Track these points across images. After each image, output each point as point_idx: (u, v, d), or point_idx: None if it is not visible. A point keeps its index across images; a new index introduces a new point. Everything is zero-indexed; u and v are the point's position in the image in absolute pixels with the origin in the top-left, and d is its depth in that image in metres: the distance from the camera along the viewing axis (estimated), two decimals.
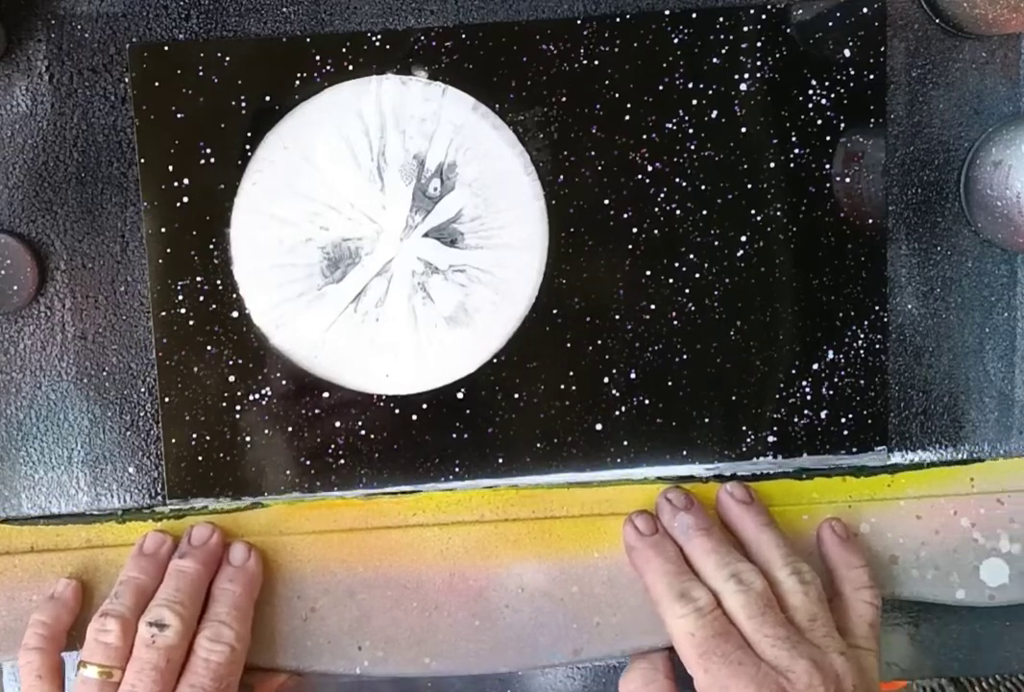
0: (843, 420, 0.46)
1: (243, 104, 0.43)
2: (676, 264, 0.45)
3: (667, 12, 0.44)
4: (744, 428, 0.46)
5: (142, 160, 0.43)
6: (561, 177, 0.44)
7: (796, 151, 0.44)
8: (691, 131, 0.44)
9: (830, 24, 0.44)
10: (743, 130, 0.44)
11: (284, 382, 0.44)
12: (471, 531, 0.45)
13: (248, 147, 0.43)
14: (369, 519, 0.45)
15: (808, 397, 0.46)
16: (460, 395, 0.45)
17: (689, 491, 0.45)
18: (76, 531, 0.45)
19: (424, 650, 0.45)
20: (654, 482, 0.46)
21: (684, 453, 0.46)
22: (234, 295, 0.44)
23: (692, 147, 0.44)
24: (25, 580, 0.45)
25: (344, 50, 0.43)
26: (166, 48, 0.43)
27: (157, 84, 0.43)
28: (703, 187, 0.44)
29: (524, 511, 0.46)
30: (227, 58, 0.43)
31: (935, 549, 0.46)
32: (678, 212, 0.45)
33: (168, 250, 0.44)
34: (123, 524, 0.45)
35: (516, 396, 0.45)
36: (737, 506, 0.45)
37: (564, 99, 0.44)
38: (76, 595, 0.44)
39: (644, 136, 0.44)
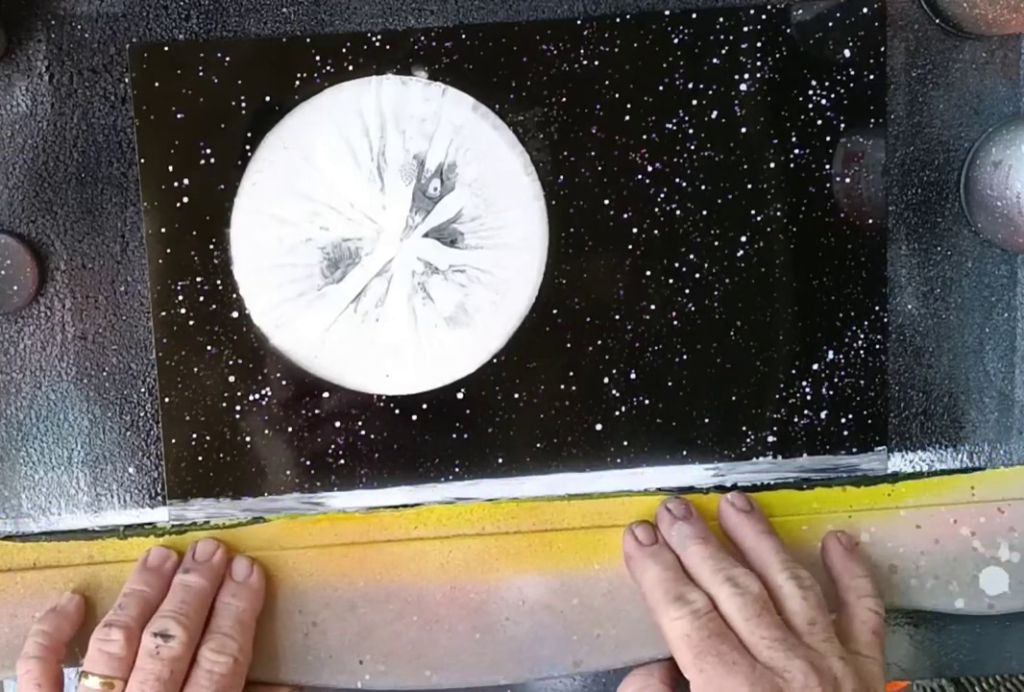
0: (843, 420, 0.46)
1: (243, 104, 0.43)
2: (676, 264, 0.45)
3: (667, 12, 0.44)
4: (744, 428, 0.46)
5: (142, 160, 0.43)
6: (561, 177, 0.44)
7: (796, 151, 0.44)
8: (691, 131, 0.44)
9: (830, 24, 0.44)
10: (743, 130, 0.44)
11: (284, 382, 0.44)
12: (472, 544, 0.45)
13: (248, 147, 0.43)
14: (370, 533, 0.45)
15: (808, 397, 0.46)
16: (460, 395, 0.45)
17: (689, 501, 0.45)
18: (78, 547, 0.45)
19: (425, 663, 0.45)
20: (655, 493, 0.46)
21: (684, 453, 0.46)
22: (234, 295, 0.44)
23: (692, 147, 0.44)
24: (27, 597, 0.44)
25: (344, 50, 0.43)
26: (166, 48, 0.43)
27: (157, 84, 0.43)
28: (703, 187, 0.44)
29: (525, 524, 0.46)
30: (227, 58, 0.43)
31: (934, 558, 0.46)
32: (678, 212, 0.45)
33: (168, 250, 0.44)
34: (124, 540, 0.45)
35: (516, 396, 0.45)
36: (737, 515, 0.45)
37: (564, 99, 0.44)
38: (79, 608, 0.44)
39: (644, 136, 0.44)
